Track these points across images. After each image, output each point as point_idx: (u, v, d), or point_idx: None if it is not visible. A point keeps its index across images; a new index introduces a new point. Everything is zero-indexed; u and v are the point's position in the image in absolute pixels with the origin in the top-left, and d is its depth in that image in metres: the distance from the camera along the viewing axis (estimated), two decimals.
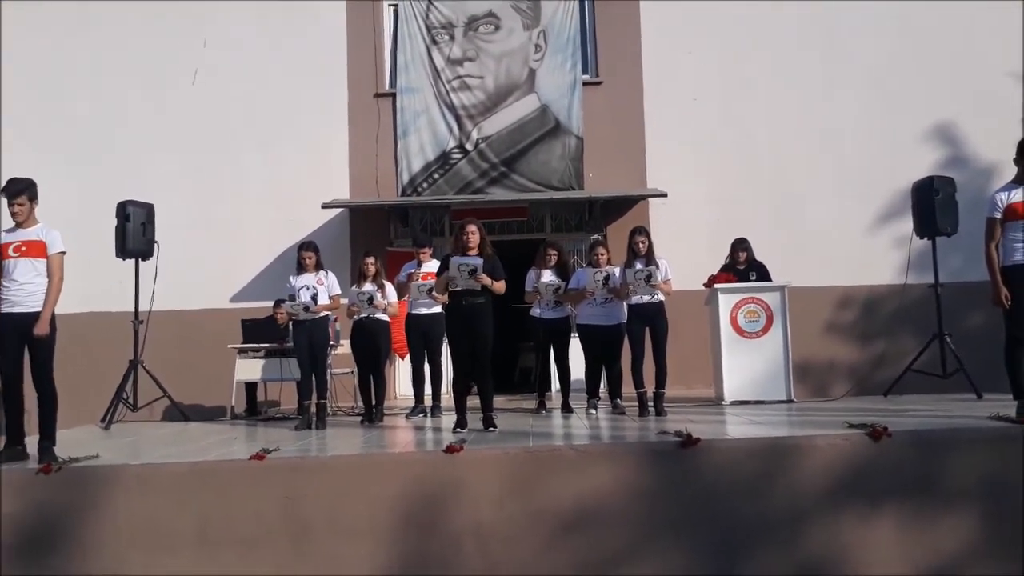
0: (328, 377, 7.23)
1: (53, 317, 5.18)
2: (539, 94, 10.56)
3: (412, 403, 7.63)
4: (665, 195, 9.80)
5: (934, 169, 9.46)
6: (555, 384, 7.82)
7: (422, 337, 7.41)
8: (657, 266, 6.67)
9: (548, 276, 7.24)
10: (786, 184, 10.28)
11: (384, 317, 7.24)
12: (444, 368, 7.79)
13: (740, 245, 7.92)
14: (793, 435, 5.02)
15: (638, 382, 6.73)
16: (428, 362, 7.51)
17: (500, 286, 5.93)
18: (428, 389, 7.53)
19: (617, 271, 6.85)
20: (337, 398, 8.33)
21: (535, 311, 7.33)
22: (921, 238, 8.12)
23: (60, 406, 5.26)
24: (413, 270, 7.43)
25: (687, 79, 10.49)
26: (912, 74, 10.43)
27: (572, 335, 7.40)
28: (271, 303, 8.73)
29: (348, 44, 10.76)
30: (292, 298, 6.85)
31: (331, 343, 7.45)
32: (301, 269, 6.91)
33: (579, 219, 10.72)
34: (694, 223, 9.94)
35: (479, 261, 5.82)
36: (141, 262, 8.23)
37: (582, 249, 10.33)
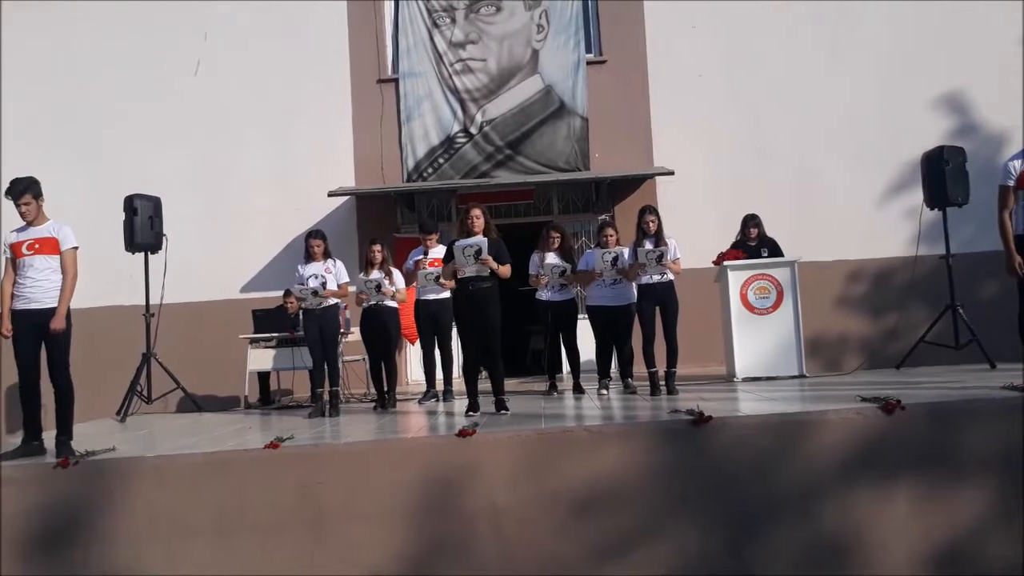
0: (340, 365, 7.26)
1: (68, 312, 5.22)
2: (543, 75, 10.50)
3: (424, 388, 7.66)
4: (672, 173, 9.75)
5: (943, 139, 9.37)
6: (565, 366, 7.84)
7: (431, 322, 7.41)
8: (666, 245, 6.65)
9: (552, 259, 7.23)
10: (794, 158, 10.20)
11: (393, 303, 7.25)
12: (454, 353, 7.81)
13: (751, 221, 7.89)
14: (806, 410, 5.01)
15: (649, 362, 6.72)
16: (438, 347, 7.52)
17: (505, 270, 5.93)
18: (439, 374, 7.55)
19: (626, 251, 6.83)
20: (349, 385, 8.37)
21: (541, 294, 7.33)
22: (931, 209, 8.05)
23: (75, 401, 5.30)
24: (420, 257, 7.43)
25: (691, 55, 10.39)
26: (920, 44, 10.29)
27: (580, 316, 7.40)
28: (281, 292, 8.76)
29: (349, 30, 10.70)
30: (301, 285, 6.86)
31: (341, 331, 7.47)
32: (309, 257, 6.92)
33: (586, 200, 10.68)
34: (702, 201, 9.88)
35: (482, 240, 5.80)
36: (150, 255, 8.27)
37: (590, 230, 10.30)
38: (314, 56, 10.58)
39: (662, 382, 6.69)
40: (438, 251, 7.27)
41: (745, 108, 10.31)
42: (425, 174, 10.47)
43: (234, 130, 10.54)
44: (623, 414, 5.71)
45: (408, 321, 7.92)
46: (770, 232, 7.97)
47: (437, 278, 7.08)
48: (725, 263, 7.61)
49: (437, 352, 7.53)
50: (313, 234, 7.00)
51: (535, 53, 10.54)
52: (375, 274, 7.13)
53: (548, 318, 7.31)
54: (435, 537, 4.53)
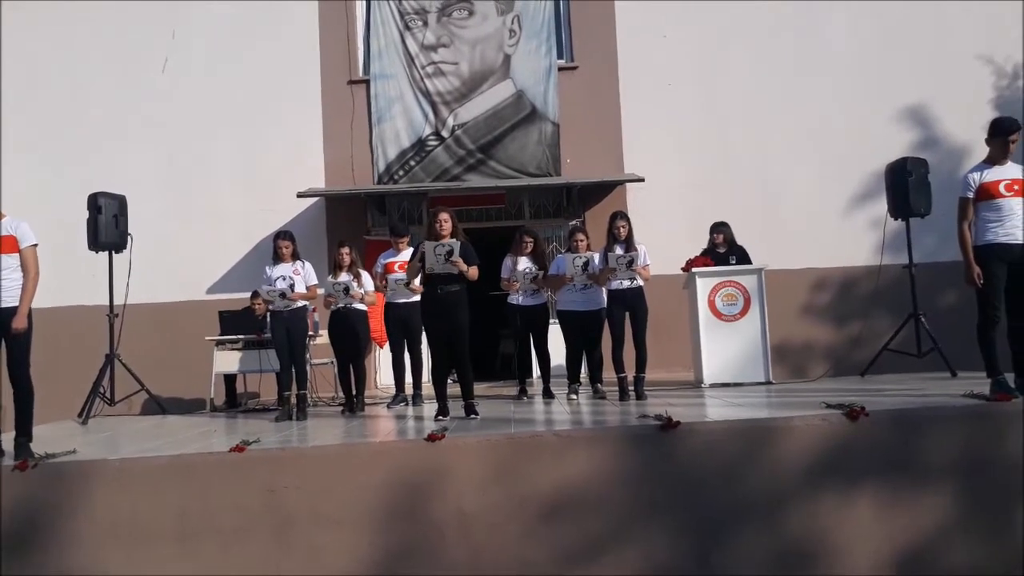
0: (307, 368, 7.19)
1: (29, 311, 5.11)
2: (514, 80, 10.52)
3: (392, 392, 7.61)
4: (642, 180, 9.82)
5: (907, 151, 9.54)
6: (536, 370, 7.84)
7: (401, 326, 7.37)
8: (636, 251, 6.68)
9: (524, 263, 7.24)
10: (762, 167, 10.33)
11: (362, 307, 7.21)
12: (424, 357, 7.77)
13: (718, 228, 7.97)
14: (772, 416, 5.06)
15: (619, 367, 6.74)
16: (408, 351, 7.48)
17: (473, 272, 5.92)
18: (408, 378, 7.51)
19: (596, 257, 6.86)
20: (317, 389, 8.30)
21: (513, 298, 7.34)
22: (895, 219, 8.19)
23: (35, 402, 5.19)
24: (390, 260, 7.40)
25: (662, 64, 10.49)
26: (885, 57, 10.50)
27: (551, 321, 7.42)
28: (248, 294, 8.66)
29: (321, 31, 10.63)
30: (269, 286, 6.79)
31: (309, 333, 7.40)
32: (277, 259, 6.84)
33: (557, 205, 10.71)
34: (672, 207, 9.96)
35: (455, 243, 5.80)
36: (115, 255, 8.13)
37: (561, 235, 10.34)
38: (285, 56, 10.50)
39: (631, 387, 6.71)
40: (408, 253, 7.25)
41: (715, 117, 10.43)
42: (396, 176, 10.43)
43: (203, 129, 10.42)
44: (592, 419, 5.73)
45: (377, 324, 7.88)
46: (737, 239, 8.06)
47: (407, 283, 7.07)
48: (694, 270, 7.67)
49: (407, 356, 7.49)
50: (281, 235, 6.93)
51: (507, 58, 10.56)
52: (344, 277, 7.09)
53: (520, 322, 7.32)
54: (403, 542, 4.51)
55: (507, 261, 7.38)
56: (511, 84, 10.51)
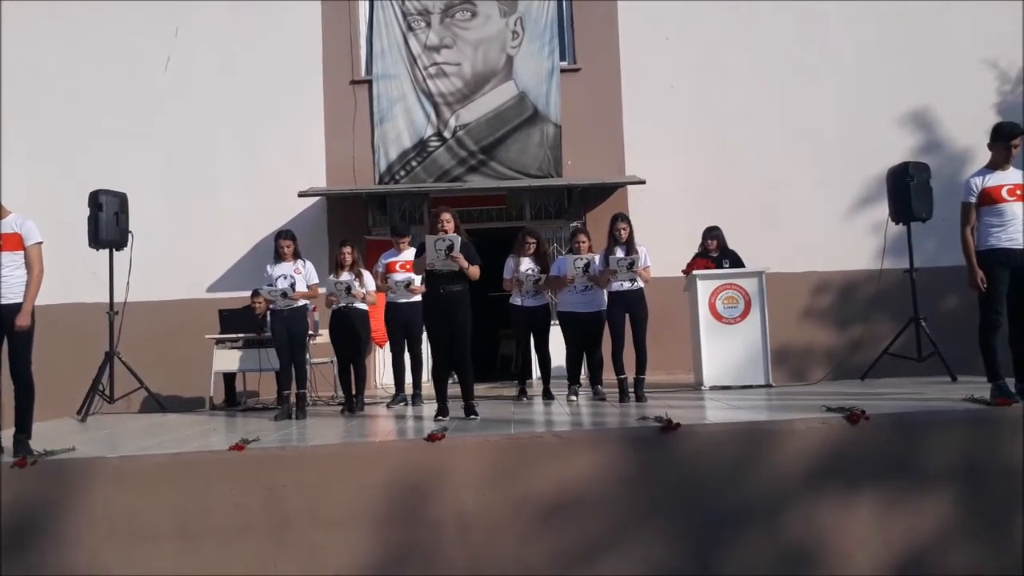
0: (307, 367, 7.18)
1: (32, 309, 5.11)
2: (516, 81, 10.53)
3: (392, 392, 7.61)
4: (643, 182, 9.82)
5: (909, 155, 9.56)
6: (536, 371, 7.83)
7: (402, 326, 7.37)
8: (637, 253, 6.68)
9: (527, 264, 7.24)
10: (764, 170, 10.33)
11: (363, 306, 7.20)
12: (424, 357, 7.76)
13: (710, 233, 7.93)
14: (772, 419, 5.06)
15: (619, 368, 6.73)
16: (408, 351, 7.48)
17: (475, 271, 5.90)
18: (408, 378, 7.50)
19: (597, 258, 6.85)
20: (317, 388, 8.29)
21: (515, 299, 7.33)
22: (896, 223, 8.19)
23: (35, 399, 5.18)
24: (391, 259, 7.39)
25: (664, 66, 10.50)
26: (886, 61, 10.51)
27: (552, 322, 7.41)
28: (249, 293, 8.66)
29: (323, 31, 10.65)
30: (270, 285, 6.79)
31: (310, 332, 7.40)
32: (278, 258, 6.84)
33: (558, 207, 10.71)
34: (673, 210, 9.96)
35: (455, 237, 5.77)
36: (115, 252, 8.13)
37: (561, 237, 10.34)
38: (287, 56, 10.51)
39: (631, 389, 6.71)
40: (410, 253, 7.26)
41: (716, 119, 10.43)
42: (397, 177, 10.44)
43: (205, 128, 10.44)
44: (592, 420, 5.72)
45: (378, 324, 7.88)
46: (738, 243, 8.03)
47: (408, 284, 7.07)
48: (694, 272, 7.67)
49: (407, 356, 7.49)
50: (283, 234, 6.93)
51: (509, 59, 10.56)
52: (345, 276, 7.08)
53: (521, 323, 7.31)
54: (402, 542, 4.49)
55: (509, 262, 7.37)
56: (513, 85, 10.52)
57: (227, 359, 8.36)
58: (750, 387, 7.42)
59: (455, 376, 6.22)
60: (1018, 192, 5.20)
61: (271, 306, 6.87)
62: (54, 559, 4.45)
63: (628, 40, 10.59)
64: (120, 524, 4.47)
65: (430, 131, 10.50)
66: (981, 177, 5.32)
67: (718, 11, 10.55)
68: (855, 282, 10.09)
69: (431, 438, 4.68)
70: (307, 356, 7.30)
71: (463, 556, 4.47)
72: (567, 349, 7.16)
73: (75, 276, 9.30)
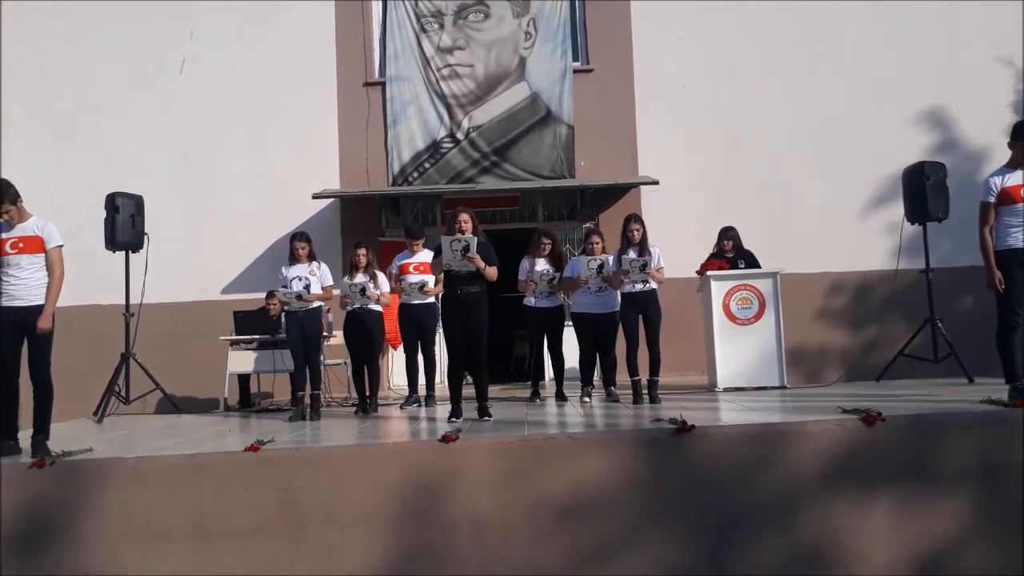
0: (322, 368, 7.21)
1: (53, 311, 5.17)
2: (529, 82, 10.53)
3: (406, 393, 7.62)
4: (657, 183, 9.80)
5: (924, 154, 9.49)
6: (549, 373, 7.82)
7: (416, 327, 7.38)
8: (650, 254, 6.66)
9: (542, 265, 7.24)
10: (777, 170, 10.28)
11: (377, 307, 7.22)
12: (438, 358, 7.78)
13: (726, 234, 7.90)
14: (787, 421, 5.03)
15: (632, 370, 6.72)
16: (422, 352, 7.49)
17: (492, 272, 5.89)
18: (422, 379, 7.51)
19: (611, 259, 6.84)
20: (331, 389, 8.32)
21: (529, 300, 7.34)
22: (912, 223, 8.13)
23: (53, 400, 5.23)
24: (405, 261, 7.41)
25: (677, 66, 10.47)
26: (901, 59, 10.43)
27: (566, 324, 7.41)
28: (263, 294, 8.70)
29: (337, 32, 10.68)
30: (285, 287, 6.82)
31: (324, 334, 7.43)
32: (293, 260, 6.87)
33: (571, 208, 10.70)
34: (686, 210, 9.92)
35: (471, 238, 5.75)
36: (131, 254, 8.19)
37: (574, 238, 10.33)
38: (301, 58, 10.55)
39: (645, 391, 6.70)
40: (423, 255, 7.27)
41: (729, 119, 10.39)
42: (410, 178, 10.46)
43: (219, 130, 10.49)
44: (606, 422, 5.71)
45: (392, 326, 7.89)
46: (752, 243, 8.00)
47: (422, 287, 7.08)
48: (708, 273, 7.64)
49: (420, 357, 7.50)
50: (298, 236, 6.96)
51: (522, 60, 10.57)
52: (360, 278, 7.10)
53: (536, 324, 7.31)
54: (416, 543, 4.50)
55: (524, 263, 7.37)
56: (526, 86, 10.52)
57: (242, 360, 8.40)
58: (764, 388, 7.40)
59: (469, 377, 6.22)
60: None
61: (286, 307, 6.90)
62: (71, 559, 4.48)
63: (641, 41, 10.56)
64: (137, 524, 4.50)
65: (443, 132, 10.52)
66: (1000, 176, 5.27)
67: (730, 11, 10.52)
68: (870, 283, 10.02)
69: (445, 439, 4.69)
70: (321, 357, 7.33)
71: (477, 557, 4.47)
72: (580, 350, 7.16)
73: (92, 278, 9.35)
